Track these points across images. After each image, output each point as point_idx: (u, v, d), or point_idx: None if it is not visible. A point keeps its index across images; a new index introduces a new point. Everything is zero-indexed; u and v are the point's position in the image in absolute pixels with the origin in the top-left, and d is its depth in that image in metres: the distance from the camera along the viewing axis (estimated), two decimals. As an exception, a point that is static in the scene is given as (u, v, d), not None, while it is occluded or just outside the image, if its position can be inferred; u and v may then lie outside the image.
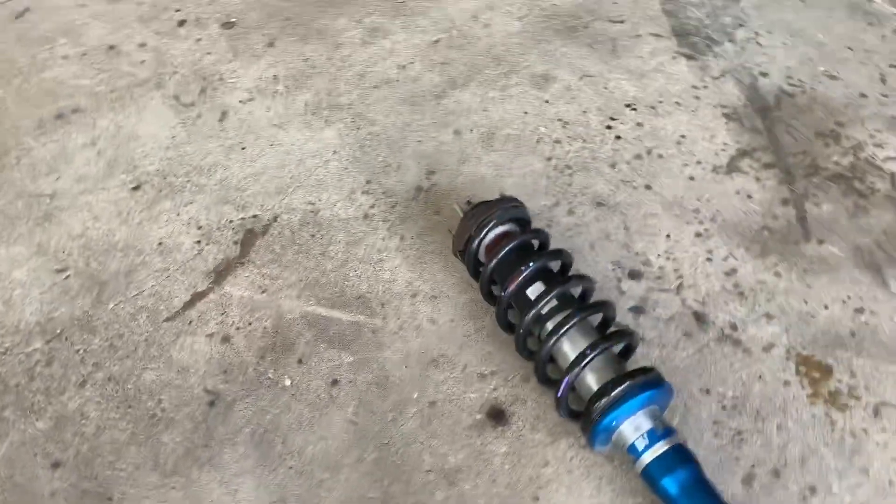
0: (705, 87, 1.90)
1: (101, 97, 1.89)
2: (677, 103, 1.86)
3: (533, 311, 1.28)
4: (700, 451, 1.26)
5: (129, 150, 1.77)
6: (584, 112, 1.84)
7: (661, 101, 1.86)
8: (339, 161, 1.74)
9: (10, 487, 1.26)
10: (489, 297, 1.40)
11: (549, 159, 1.74)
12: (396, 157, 1.74)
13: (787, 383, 1.37)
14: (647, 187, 1.68)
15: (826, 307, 1.48)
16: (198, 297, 1.50)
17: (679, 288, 1.51)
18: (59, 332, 1.45)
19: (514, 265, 1.34)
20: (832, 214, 1.63)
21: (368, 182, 1.69)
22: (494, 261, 1.36)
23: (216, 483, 1.26)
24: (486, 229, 1.39)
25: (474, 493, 1.25)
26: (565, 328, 1.26)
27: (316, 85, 1.92)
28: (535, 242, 1.44)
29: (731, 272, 1.53)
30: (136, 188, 1.69)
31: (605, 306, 1.31)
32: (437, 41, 2.03)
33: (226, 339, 1.44)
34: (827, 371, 1.39)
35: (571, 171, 1.72)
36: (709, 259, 1.55)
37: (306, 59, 1.99)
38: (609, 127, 1.81)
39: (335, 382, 1.38)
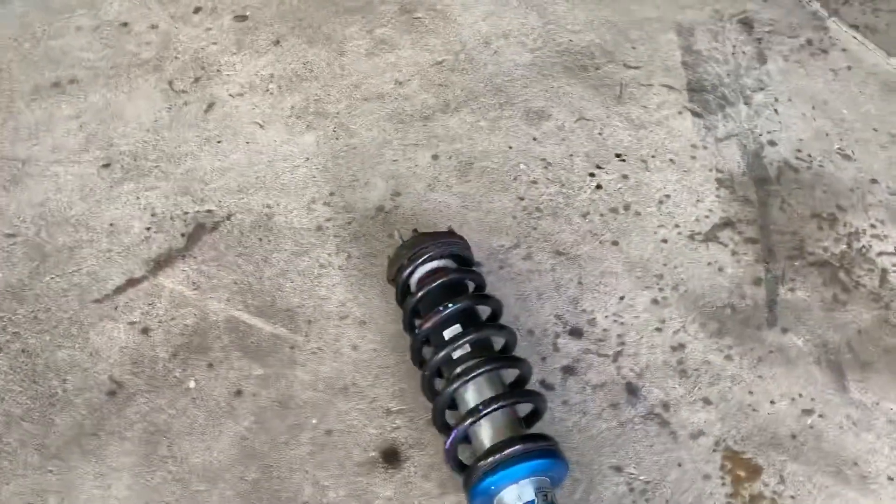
0: (705, 147, 1.81)
1: (99, 72, 1.92)
2: (671, 160, 1.77)
3: (443, 352, 1.22)
4: (588, 533, 1.18)
5: (110, 127, 1.79)
6: (571, 156, 1.77)
7: (654, 156, 1.77)
8: (308, 168, 1.71)
9: None
10: (410, 329, 1.35)
11: (520, 199, 1.68)
12: (367, 173, 1.71)
13: (707, 477, 1.27)
14: (614, 243, 1.60)
15: (772, 402, 1.37)
16: (131, 283, 1.49)
17: (618, 355, 1.42)
18: (-11, 296, 1.46)
19: (437, 302, 1.28)
20: (806, 303, 1.52)
21: (332, 194, 1.66)
22: (419, 293, 1.30)
23: (92, 475, 1.24)
24: (417, 262, 1.34)
25: (345, 533, 1.19)
26: (470, 376, 1.19)
27: (308, 89, 1.90)
28: (471, 284, 1.38)
29: (679, 347, 1.43)
30: (105, 166, 1.70)
31: (519, 363, 1.24)
32: (441, 62, 1.99)
33: (145, 331, 1.42)
34: (755, 471, 1.28)
35: (540, 214, 1.65)
36: (658, 329, 1.46)
37: (306, 62, 1.97)
38: (592, 174, 1.73)
39: (238, 393, 1.34)
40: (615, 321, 1.47)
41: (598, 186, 1.71)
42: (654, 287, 1.53)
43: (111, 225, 1.59)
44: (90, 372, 1.36)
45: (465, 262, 1.39)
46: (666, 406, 1.35)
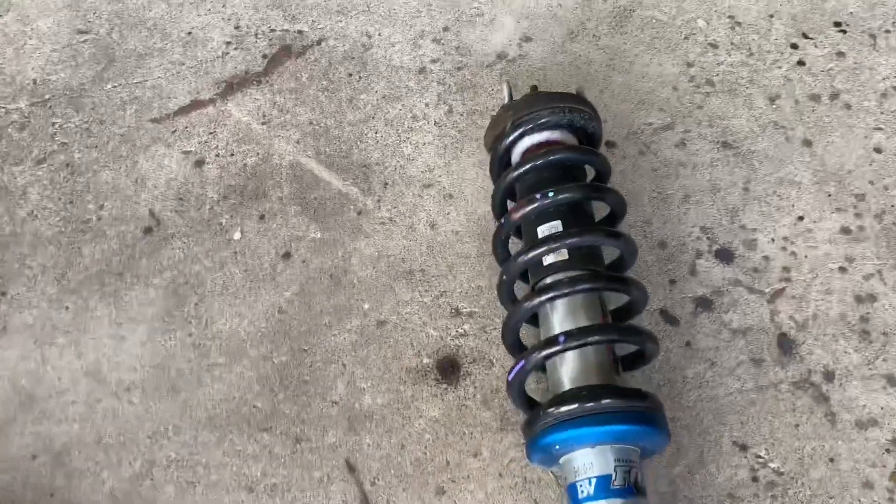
0: (971, 27, 1.28)
1: None
2: (914, 39, 1.27)
3: (532, 253, 0.91)
4: (680, 528, 0.88)
5: (210, -81, 1.51)
6: (771, 16, 1.31)
7: (889, 31, 1.28)
8: (425, -7, 1.37)
9: (-78, 244, 1.15)
10: (500, 214, 1.03)
11: (689, 65, 1.26)
12: (496, 7, 1.35)
13: (868, 485, 0.92)
14: (806, 143, 1.17)
15: None
16: (196, 105, 1.27)
17: (777, 294, 1.04)
18: (46, 98, 1.29)
19: (538, 186, 0.95)
20: None
21: (446, 29, 1.32)
22: (520, 170, 0.98)
23: (108, 320, 1.07)
24: (522, 129, 1.00)
25: (371, 452, 0.96)
26: (559, 292, 0.88)
27: None
28: (590, 171, 1.03)
29: (867, 299, 1.03)
30: (196, -36, 1.44)
31: (630, 285, 0.90)
32: None
33: (199, 164, 1.20)
34: (942, 492, 0.91)
35: (712, 89, 1.23)
36: (843, 269, 1.06)
37: None
38: (795, 46, 1.27)
39: (287, 256, 1.11)
40: (783, 248, 1.08)
41: (800, 62, 1.25)
42: (850, 210, 1.11)
43: (189, 34, 1.35)
44: (130, 201, 1.17)
45: (589, 138, 1.04)
46: (829, 376, 0.98)
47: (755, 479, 0.92)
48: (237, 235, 1.13)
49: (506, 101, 1.08)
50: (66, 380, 1.03)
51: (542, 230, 0.94)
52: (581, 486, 0.81)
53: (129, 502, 0.94)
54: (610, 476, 0.81)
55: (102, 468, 0.97)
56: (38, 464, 0.97)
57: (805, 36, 1.28)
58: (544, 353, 0.84)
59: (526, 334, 0.95)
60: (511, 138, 1.01)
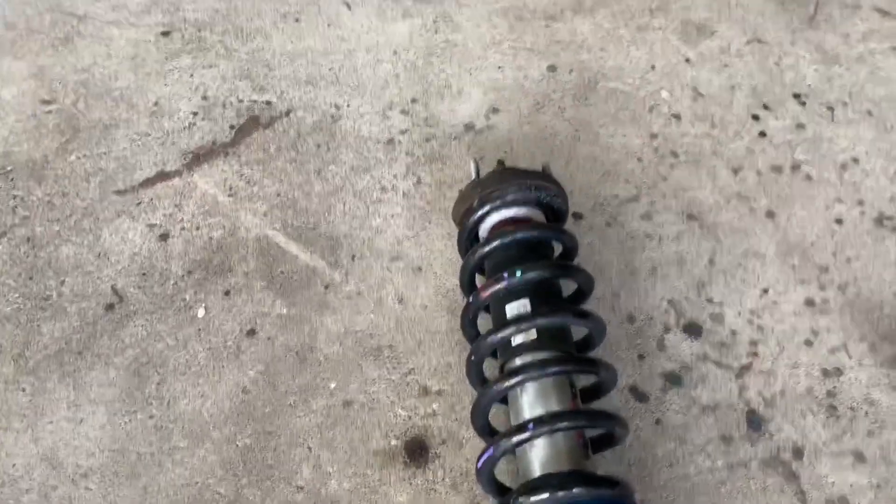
0: (924, 100, 1.32)
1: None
2: (869, 112, 1.30)
3: (501, 334, 0.90)
4: None
5: (180, -12, 1.52)
6: (732, 88, 1.34)
7: (845, 103, 1.31)
8: (393, 65, 1.39)
9: None
10: (468, 289, 1.03)
11: (653, 136, 1.28)
12: (462, 79, 1.36)
13: (840, 567, 0.91)
14: (769, 214, 1.19)
15: (959, 477, 0.96)
16: (162, 177, 1.26)
17: (745, 370, 1.04)
18: (8, 170, 1.27)
19: (506, 263, 0.95)
20: None
21: (414, 101, 1.33)
22: (487, 248, 0.98)
23: (66, 402, 1.04)
24: (489, 205, 1.00)
25: (338, 540, 0.93)
26: (528, 375, 0.87)
27: (415, -34, 1.55)
28: (557, 246, 1.03)
29: (833, 373, 1.04)
30: (165, 34, 1.45)
31: (599, 367, 0.90)
32: (585, -51, 1.57)
33: (164, 237, 1.19)
34: (914, 573, 0.90)
35: (676, 160, 1.25)
36: (808, 343, 1.06)
37: (420, -67, 1.61)
38: (756, 117, 1.30)
39: (252, 333, 1.09)
40: (750, 322, 1.08)
41: (762, 134, 1.28)
42: (814, 283, 1.12)
43: (155, 104, 1.35)
44: (92, 276, 1.15)
45: (556, 214, 1.05)
46: (799, 452, 0.98)
47: (728, 563, 0.91)
48: (201, 312, 1.11)
49: (473, 177, 1.08)
50: (21, 466, 0.99)
51: (511, 309, 0.94)
52: (553, 577, 0.79)
53: None
54: (582, 567, 0.79)
55: (56, 562, 0.93)
56: (-13, 558, 0.93)
57: (766, 107, 1.31)
58: (514, 440, 0.83)
59: (496, 411, 0.93)
60: (479, 214, 1.01)
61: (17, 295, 1.14)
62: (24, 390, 1.05)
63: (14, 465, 0.99)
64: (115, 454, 1.00)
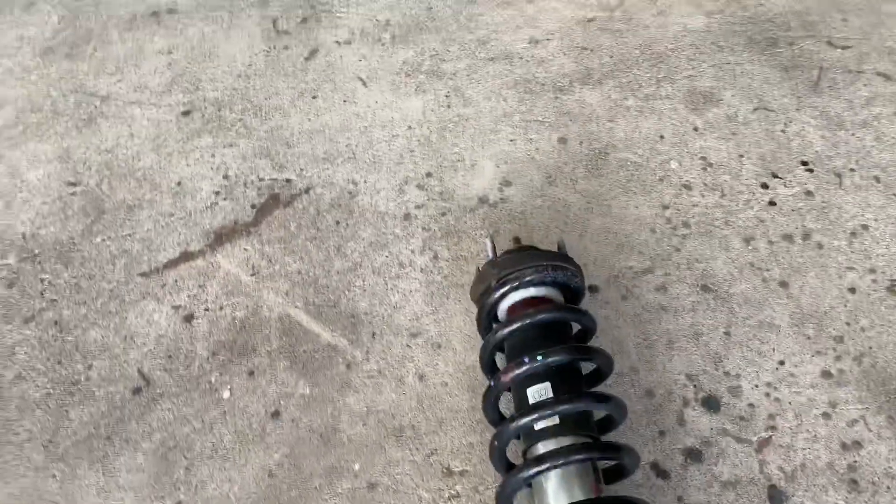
0: (930, 164, 1.35)
1: (201, 3, 1.71)
2: (876, 178, 1.33)
3: (523, 420, 0.92)
4: None
5: (199, 68, 1.58)
6: (741, 157, 1.37)
7: (853, 170, 1.34)
8: (407, 140, 1.42)
9: None
10: (490, 371, 1.05)
11: (664, 207, 1.31)
12: (476, 153, 1.40)
13: None
14: (783, 284, 1.21)
15: (984, 552, 0.96)
16: (185, 257, 1.29)
17: (764, 444, 1.05)
18: (36, 253, 1.30)
19: (526, 345, 0.97)
20: None
21: (429, 175, 1.37)
22: (507, 329, 1.00)
23: (95, 489, 1.06)
24: (507, 286, 1.03)
25: None
26: (552, 463, 0.88)
27: (426, 42, 1.59)
28: (576, 326, 1.05)
29: (853, 446, 1.05)
30: (186, 113, 1.49)
31: (621, 452, 0.91)
32: (591, 19, 1.62)
33: (188, 319, 1.21)
34: None
35: (688, 231, 1.28)
36: (827, 416, 1.07)
37: (430, 7, 1.67)
38: (765, 186, 1.33)
39: (276, 414, 1.11)
40: (767, 394, 1.10)
41: (772, 203, 1.31)
42: (829, 353, 1.13)
43: (178, 184, 1.38)
44: (119, 360, 1.17)
45: (573, 293, 1.07)
46: (823, 530, 0.99)
47: None
48: (226, 394, 1.13)
49: (489, 256, 1.11)
50: (51, 556, 1.01)
51: (532, 393, 0.95)
52: None
53: None
54: None
55: None
56: None
57: (774, 175, 1.34)
58: (540, 530, 0.84)
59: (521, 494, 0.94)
60: (496, 296, 1.03)
61: (45, 380, 1.16)
62: (54, 476, 1.07)
63: (45, 554, 1.01)
64: (144, 541, 1.01)
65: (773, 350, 1.14)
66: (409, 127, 1.44)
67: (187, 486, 1.05)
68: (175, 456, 1.08)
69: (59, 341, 1.20)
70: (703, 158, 1.37)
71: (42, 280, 1.27)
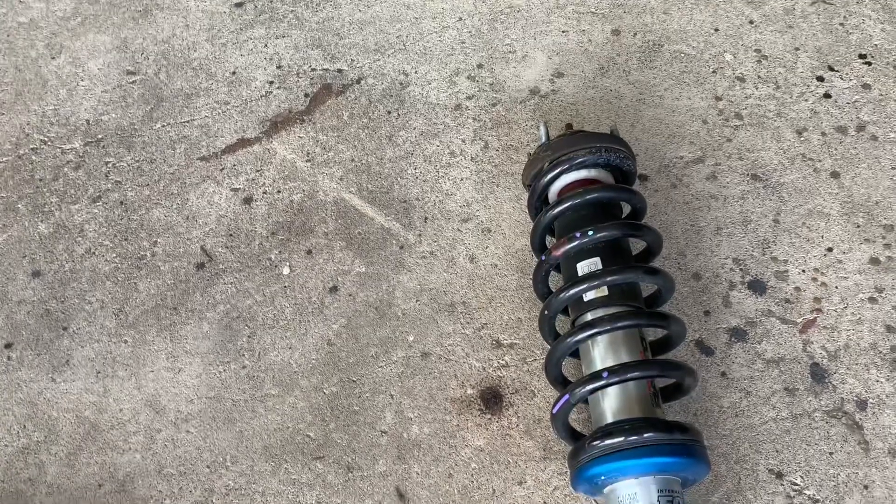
0: None
1: None
2: (938, 71, 1.30)
3: (573, 290, 0.95)
4: (721, 554, 0.91)
5: (251, -40, 1.58)
6: (796, 49, 1.35)
7: (914, 62, 1.31)
8: (458, 31, 1.42)
9: (-13, 281, 1.21)
10: (539, 250, 1.08)
11: (717, 98, 1.30)
12: (527, 44, 1.39)
13: (902, 512, 0.95)
14: (834, 175, 1.21)
15: None
16: (242, 143, 1.32)
17: (808, 325, 1.08)
18: (99, 137, 1.35)
19: (577, 223, 1.00)
20: None
21: (479, 66, 1.37)
22: (557, 209, 1.02)
23: (165, 354, 1.12)
24: (560, 168, 1.04)
25: (420, 480, 1.00)
26: (601, 329, 0.92)
27: (477, -67, 1.57)
28: (626, 207, 1.07)
29: (897, 329, 1.07)
30: (238, 5, 1.51)
31: (669, 321, 0.94)
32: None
33: (247, 201, 1.26)
34: (975, 520, 0.94)
35: (740, 122, 1.27)
36: (872, 300, 1.09)
37: None
38: (820, 78, 1.31)
39: (334, 289, 1.16)
40: (814, 279, 1.11)
41: (826, 95, 1.29)
42: (878, 241, 1.14)
43: (233, 73, 1.41)
44: (183, 238, 1.23)
45: (625, 176, 1.08)
46: (862, 404, 1.01)
47: (791, 507, 0.96)
48: (286, 270, 1.18)
49: (542, 140, 1.12)
50: (128, 411, 1.08)
51: (582, 267, 0.98)
52: (626, 514, 0.85)
53: (191, 529, 0.99)
54: (654, 505, 0.84)
55: (165, 497, 1.02)
56: (104, 492, 1.02)
57: (831, 68, 1.32)
58: (588, 387, 0.88)
59: (566, 365, 0.99)
60: (549, 177, 1.05)
61: (114, 255, 1.22)
62: (126, 342, 1.14)
63: (121, 409, 1.09)
64: (211, 401, 1.08)
65: (822, 237, 1.15)
66: (460, 18, 1.44)
67: (251, 353, 1.12)
68: (238, 325, 1.14)
69: (124, 220, 1.25)
70: (758, 51, 1.35)
71: (106, 163, 1.32)
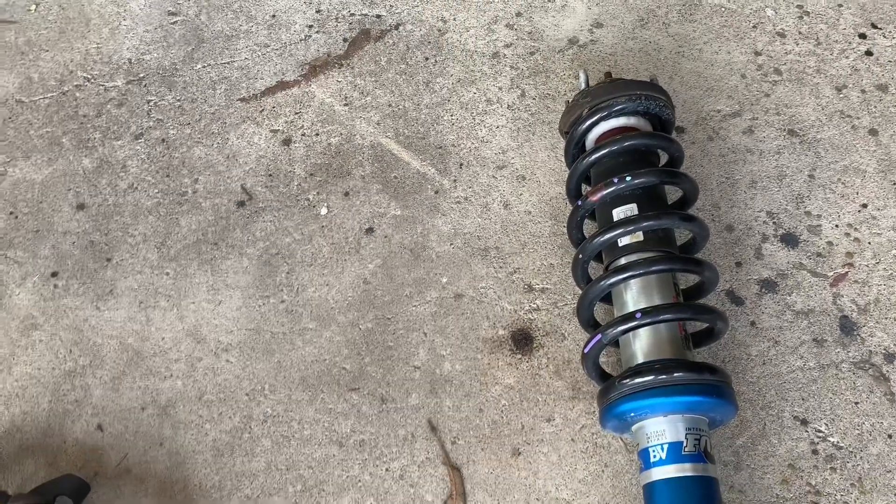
0: None
1: None
2: (984, 31, 1.28)
3: (608, 235, 0.97)
4: (745, 497, 0.94)
5: None
6: (840, 5, 1.34)
7: (959, 21, 1.30)
8: (498, -20, 1.42)
9: (34, 212, 1.24)
10: (575, 196, 1.09)
11: (757, 53, 1.30)
12: (567, -6, 1.39)
13: (924, 461, 0.97)
14: (872, 132, 1.20)
15: None
16: (282, 86, 1.34)
17: (839, 279, 1.09)
18: (141, 76, 1.37)
19: (615, 170, 1.01)
20: None
21: (518, 14, 1.37)
22: (595, 155, 1.03)
23: (206, 286, 1.16)
24: (599, 115, 1.05)
25: (452, 414, 1.03)
26: (634, 272, 0.94)
27: None
28: (663, 156, 1.08)
29: (929, 286, 1.07)
30: (278, -52, 1.51)
31: (702, 267, 0.95)
32: None
33: (286, 142, 1.28)
34: None
35: (779, 78, 1.27)
36: (905, 256, 1.10)
37: None
38: (863, 35, 1.30)
39: (370, 231, 1.18)
40: (847, 234, 1.12)
41: (868, 53, 1.28)
42: (914, 200, 1.14)
43: (273, 17, 1.42)
44: (223, 176, 1.25)
45: (663, 125, 1.09)
46: (890, 357, 1.03)
47: (815, 452, 0.98)
48: (324, 211, 1.21)
49: (582, 87, 1.13)
50: (169, 340, 1.12)
51: (618, 213, 1.00)
52: (653, 451, 0.88)
53: (230, 452, 1.03)
54: (681, 443, 0.87)
55: (205, 421, 1.06)
56: (146, 415, 1.07)
57: (874, 26, 1.31)
58: (621, 327, 0.90)
59: (597, 310, 1.01)
60: (588, 123, 1.06)
61: (156, 190, 1.25)
62: (167, 274, 1.17)
63: (163, 338, 1.12)
64: (251, 333, 1.12)
65: (857, 193, 1.15)
66: (500, -33, 1.44)
67: (289, 288, 1.15)
68: (277, 262, 1.17)
69: (166, 157, 1.28)
70: (800, 7, 1.34)
71: (148, 101, 1.34)
